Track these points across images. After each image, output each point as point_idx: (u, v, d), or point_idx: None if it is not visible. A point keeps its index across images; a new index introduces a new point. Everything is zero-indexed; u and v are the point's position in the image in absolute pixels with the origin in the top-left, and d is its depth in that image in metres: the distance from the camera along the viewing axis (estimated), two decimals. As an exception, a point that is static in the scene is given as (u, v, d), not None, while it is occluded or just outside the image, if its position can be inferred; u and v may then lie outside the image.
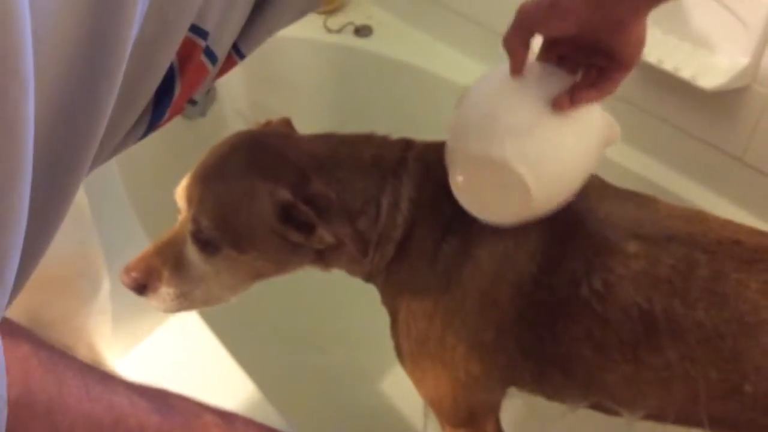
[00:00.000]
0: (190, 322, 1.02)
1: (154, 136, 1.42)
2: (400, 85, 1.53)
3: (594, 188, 0.85)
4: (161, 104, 0.63)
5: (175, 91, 0.63)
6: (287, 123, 0.90)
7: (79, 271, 0.89)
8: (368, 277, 0.91)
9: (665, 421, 0.86)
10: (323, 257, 0.87)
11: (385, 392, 1.36)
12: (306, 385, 1.32)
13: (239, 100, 1.55)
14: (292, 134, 0.89)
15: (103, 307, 0.94)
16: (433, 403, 0.92)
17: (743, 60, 1.10)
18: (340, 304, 1.31)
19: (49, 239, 0.51)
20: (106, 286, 0.94)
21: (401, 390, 1.29)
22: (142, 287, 0.83)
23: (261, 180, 0.80)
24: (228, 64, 0.72)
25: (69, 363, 0.65)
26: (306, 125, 0.93)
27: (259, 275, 0.86)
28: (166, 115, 0.65)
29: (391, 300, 0.90)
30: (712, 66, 1.12)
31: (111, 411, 0.68)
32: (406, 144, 0.88)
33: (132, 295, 0.84)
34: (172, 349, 1.00)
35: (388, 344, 0.91)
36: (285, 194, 0.79)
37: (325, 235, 0.81)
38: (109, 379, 0.70)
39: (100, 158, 0.52)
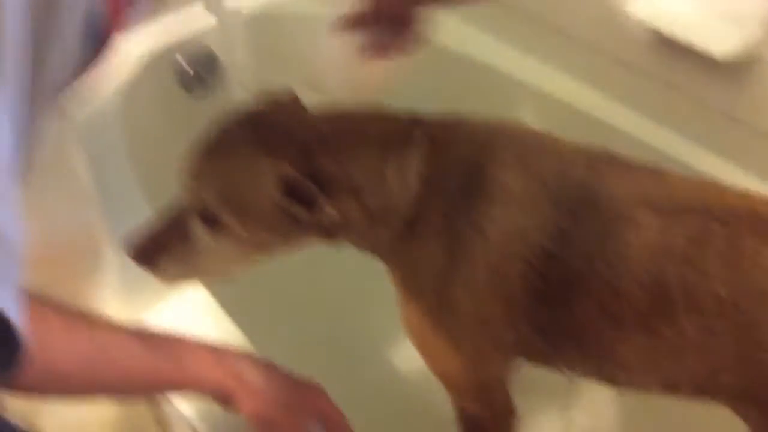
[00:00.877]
0: (197, 292, 1.02)
1: (159, 112, 1.43)
2: (413, 61, 1.50)
3: (604, 160, 0.84)
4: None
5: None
6: (294, 97, 0.89)
7: (82, 247, 0.90)
8: (375, 252, 0.90)
9: (679, 394, 0.85)
10: (329, 232, 0.85)
11: (394, 363, 1.36)
12: (314, 355, 1.32)
13: (246, 76, 1.53)
14: (297, 109, 0.87)
15: (107, 281, 0.94)
16: (443, 377, 0.92)
17: (756, 29, 1.08)
18: (349, 275, 1.29)
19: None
20: (110, 261, 0.94)
21: (411, 361, 1.29)
22: (146, 260, 0.83)
23: (265, 155, 0.79)
24: None
25: (53, 307, 0.67)
26: (308, 100, 0.91)
27: (263, 250, 0.86)
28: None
29: (399, 275, 0.89)
30: (725, 35, 1.10)
31: (95, 343, 0.70)
32: (414, 119, 0.87)
33: (131, 268, 0.84)
34: (178, 320, 1.00)
35: (397, 316, 0.91)
36: (288, 169, 0.79)
37: (328, 210, 0.80)
38: (91, 317, 0.72)
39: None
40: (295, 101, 0.88)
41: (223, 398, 0.79)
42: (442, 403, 0.95)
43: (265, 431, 0.80)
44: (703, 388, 0.82)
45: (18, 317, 0.40)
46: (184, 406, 0.93)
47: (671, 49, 1.18)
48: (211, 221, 0.81)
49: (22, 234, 0.41)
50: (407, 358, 1.31)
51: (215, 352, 0.80)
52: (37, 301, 0.64)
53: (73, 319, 0.69)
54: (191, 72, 1.45)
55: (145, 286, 0.99)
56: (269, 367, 0.83)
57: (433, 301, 0.86)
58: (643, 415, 1.14)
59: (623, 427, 1.22)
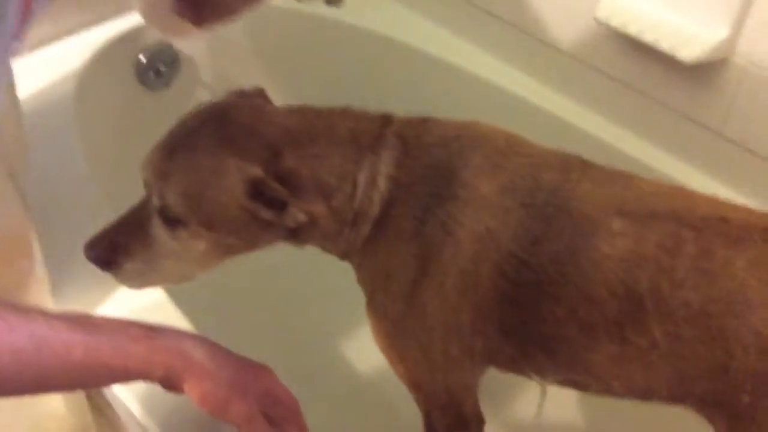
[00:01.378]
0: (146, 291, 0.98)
1: (116, 107, 1.39)
2: (373, 56, 1.49)
3: (575, 166, 0.84)
4: None
5: None
6: (261, 93, 0.87)
7: (10, 248, 0.86)
8: (344, 255, 0.88)
9: (649, 400, 0.85)
10: (296, 234, 0.83)
11: (355, 363, 1.34)
12: (268, 354, 1.30)
13: (204, 71, 1.50)
14: (265, 107, 0.85)
15: (39, 278, 0.91)
16: (410, 384, 0.91)
17: (723, 32, 1.09)
18: (313, 278, 1.28)
19: None
20: (38, 255, 0.90)
21: (377, 368, 1.27)
22: (106, 263, 0.80)
23: (230, 155, 0.77)
24: None
25: None
26: (273, 98, 0.90)
27: (228, 252, 0.83)
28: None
29: (367, 279, 0.87)
30: (692, 38, 1.11)
31: (32, 337, 0.66)
32: (385, 119, 0.85)
33: (82, 266, 0.81)
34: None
35: (359, 315, 0.89)
36: (255, 170, 0.76)
37: (297, 213, 0.78)
38: (25, 309, 0.68)
39: None
40: (262, 97, 0.86)
41: (170, 381, 0.75)
42: (405, 405, 0.94)
43: (215, 411, 0.76)
44: (674, 395, 0.82)
45: None
46: (125, 395, 0.90)
47: (638, 52, 1.18)
48: (173, 223, 0.79)
49: None
50: (371, 359, 1.29)
51: (160, 334, 0.76)
52: None
53: (8, 315, 0.65)
54: (148, 65, 1.40)
55: (91, 285, 0.96)
56: (214, 346, 0.79)
57: (401, 306, 0.84)
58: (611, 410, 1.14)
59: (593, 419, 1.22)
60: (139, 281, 0.83)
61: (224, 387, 0.76)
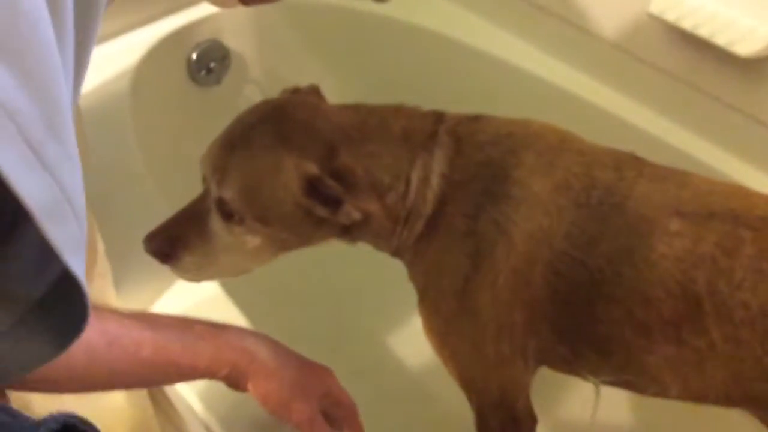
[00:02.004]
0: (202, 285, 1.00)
1: (169, 104, 1.41)
2: (422, 53, 1.48)
3: (629, 164, 0.83)
4: None
5: None
6: (316, 91, 0.87)
7: None
8: (396, 253, 0.88)
9: (706, 402, 0.84)
10: (350, 232, 0.84)
11: (412, 368, 1.34)
12: (322, 349, 1.31)
13: (254, 68, 1.51)
14: (320, 105, 0.86)
15: (102, 272, 0.93)
16: (462, 382, 0.90)
17: (782, 26, 1.06)
18: (365, 274, 1.28)
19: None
20: (101, 249, 0.92)
21: (429, 367, 1.27)
22: (165, 255, 0.82)
23: (287, 152, 0.78)
24: None
25: None
26: (325, 95, 0.90)
27: (283, 247, 0.84)
28: None
29: (419, 276, 0.88)
30: (749, 32, 1.08)
31: (104, 335, 0.69)
32: (438, 116, 0.85)
33: (138, 259, 0.83)
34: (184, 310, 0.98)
35: (412, 317, 0.89)
36: (311, 168, 0.77)
37: (352, 210, 0.79)
38: (96, 308, 0.69)
39: None
40: (316, 94, 0.86)
41: (235, 380, 0.78)
42: (457, 404, 0.94)
43: (277, 411, 0.79)
44: (731, 398, 0.81)
45: (85, 284, 0.39)
46: (190, 396, 0.91)
47: (693, 47, 1.16)
48: (230, 217, 0.80)
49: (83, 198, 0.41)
50: (422, 357, 1.29)
51: (225, 332, 0.78)
52: None
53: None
54: (200, 62, 1.42)
55: (150, 277, 0.98)
56: (278, 346, 0.81)
57: (454, 304, 0.84)
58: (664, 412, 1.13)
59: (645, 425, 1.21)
60: (196, 274, 0.84)
61: (287, 387, 0.78)
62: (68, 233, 0.35)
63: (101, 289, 0.94)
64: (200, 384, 0.85)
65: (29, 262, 0.37)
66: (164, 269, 0.84)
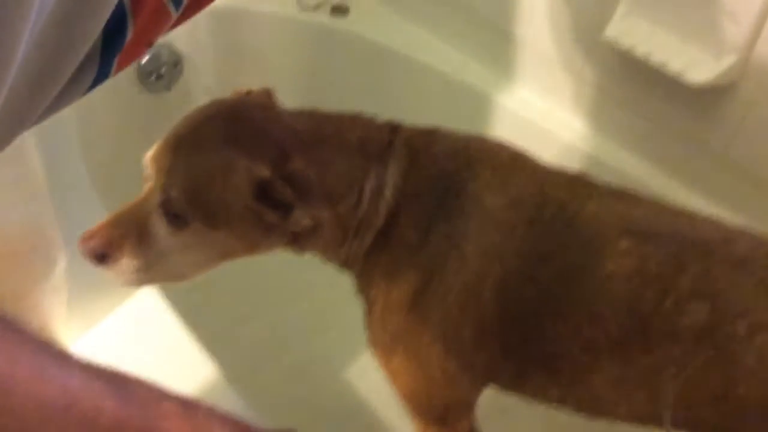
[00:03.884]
0: (150, 301, 0.97)
1: (116, 109, 1.38)
2: (376, 68, 1.49)
3: (581, 184, 0.83)
4: (110, 48, 0.56)
5: (127, 34, 0.56)
6: (269, 94, 0.85)
7: (33, 247, 0.83)
8: (344, 265, 0.87)
9: (650, 425, 0.83)
10: (298, 240, 0.82)
11: (352, 380, 1.32)
12: (270, 368, 1.28)
13: (207, 76, 1.49)
14: (274, 107, 0.84)
15: (57, 286, 0.88)
16: (406, 399, 0.89)
17: (732, 56, 1.08)
18: (310, 286, 1.26)
19: None
20: (61, 264, 0.88)
21: (369, 379, 1.25)
22: (101, 257, 0.78)
23: (238, 153, 0.75)
24: (195, 6, 0.66)
25: (22, 339, 0.60)
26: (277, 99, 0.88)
27: (228, 254, 0.81)
28: (115, 63, 0.58)
29: (367, 290, 0.86)
30: (701, 61, 1.10)
31: (64, 394, 0.63)
32: (393, 128, 0.84)
33: (89, 275, 0.79)
34: (131, 331, 0.94)
35: (359, 332, 0.87)
36: (263, 170, 0.75)
37: (302, 217, 0.77)
38: (64, 359, 0.65)
39: (43, 104, 0.45)
40: (269, 97, 0.85)
41: None
42: (400, 423, 0.92)
43: None
44: (677, 421, 0.80)
45: None
46: None
47: (645, 75, 1.18)
48: (174, 219, 0.77)
49: None
50: (366, 375, 1.27)
51: (191, 415, 0.74)
52: (8, 335, 0.58)
53: (47, 362, 0.63)
54: (150, 67, 1.39)
55: (98, 293, 0.94)
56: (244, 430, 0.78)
57: (401, 319, 0.83)
58: None
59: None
60: (134, 278, 0.80)
61: None
62: None
63: (51, 304, 0.89)
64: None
65: None
66: (103, 282, 0.80)
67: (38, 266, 0.85)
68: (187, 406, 0.74)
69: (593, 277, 0.77)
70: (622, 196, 0.83)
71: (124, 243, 0.78)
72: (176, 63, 1.42)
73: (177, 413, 0.72)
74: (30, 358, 0.60)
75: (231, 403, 0.92)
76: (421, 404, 0.88)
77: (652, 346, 0.76)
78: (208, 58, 1.48)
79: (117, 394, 0.67)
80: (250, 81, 0.89)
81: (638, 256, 0.77)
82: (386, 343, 0.85)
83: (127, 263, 0.78)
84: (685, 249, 0.77)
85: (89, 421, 0.65)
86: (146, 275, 0.80)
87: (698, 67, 1.10)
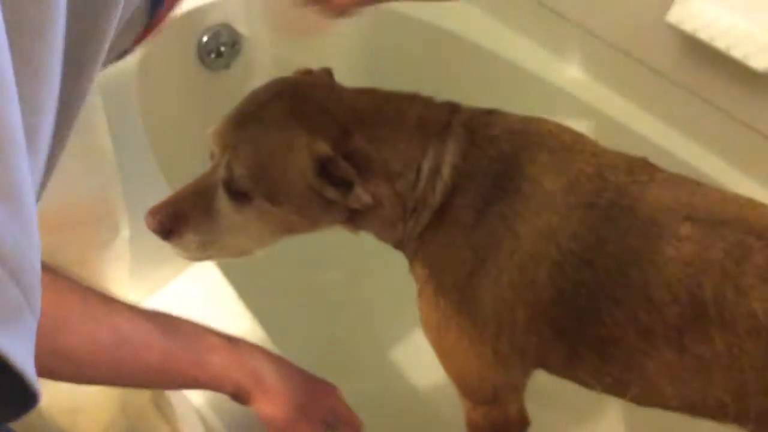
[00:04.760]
0: (209, 273, 0.99)
1: (176, 87, 1.40)
2: (435, 50, 1.48)
3: (641, 169, 0.82)
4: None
5: None
6: (329, 74, 0.86)
7: (98, 216, 0.86)
8: (398, 244, 0.87)
9: (702, 415, 0.82)
10: (355, 218, 0.83)
11: (401, 360, 1.33)
12: (319, 345, 1.29)
13: (264, 55, 1.50)
14: (335, 86, 0.84)
15: (120, 254, 0.91)
16: (456, 378, 0.89)
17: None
18: (365, 265, 1.27)
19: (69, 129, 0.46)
20: (124, 233, 0.90)
21: (419, 359, 1.26)
22: (167, 232, 0.80)
23: (300, 131, 0.77)
24: None
25: (71, 286, 0.63)
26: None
27: (288, 230, 0.83)
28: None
29: (421, 269, 0.86)
30: (766, 46, 1.07)
31: (114, 332, 0.67)
32: (453, 107, 0.84)
33: (150, 244, 0.81)
34: (188, 301, 0.96)
35: (408, 311, 0.88)
36: (325, 148, 0.76)
37: (362, 194, 0.77)
38: (111, 301, 0.68)
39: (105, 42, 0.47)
40: (329, 76, 0.85)
41: (239, 397, 0.77)
42: (450, 408, 0.92)
43: None
44: (729, 411, 0.79)
45: (28, 362, 0.32)
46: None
47: (709, 59, 1.15)
48: (238, 196, 0.78)
49: (38, 255, 0.35)
50: (417, 357, 1.28)
51: (235, 349, 0.77)
52: (57, 283, 0.60)
53: (95, 305, 0.65)
54: (210, 45, 1.41)
55: (158, 263, 0.96)
56: (285, 366, 0.80)
57: (454, 299, 0.83)
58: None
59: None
60: (197, 253, 0.82)
61: (292, 409, 0.77)
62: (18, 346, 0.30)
63: (113, 272, 0.92)
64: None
65: None
66: (166, 256, 0.82)
67: (103, 235, 0.88)
68: (232, 340, 0.77)
69: (652, 262, 0.76)
70: (683, 182, 0.82)
71: (188, 218, 0.79)
72: (234, 43, 1.44)
73: (222, 346, 0.75)
74: (80, 302, 0.63)
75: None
76: (471, 385, 0.88)
77: (709, 335, 0.75)
78: (267, 37, 1.48)
79: (164, 331, 0.70)
80: (308, 61, 0.90)
81: (699, 243, 0.76)
82: (439, 323, 0.85)
83: (191, 238, 0.80)
84: (749, 237, 0.75)
85: (140, 357, 0.67)
86: (210, 250, 0.82)
87: (763, 52, 1.07)
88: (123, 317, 0.68)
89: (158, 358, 0.69)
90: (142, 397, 1.08)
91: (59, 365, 0.62)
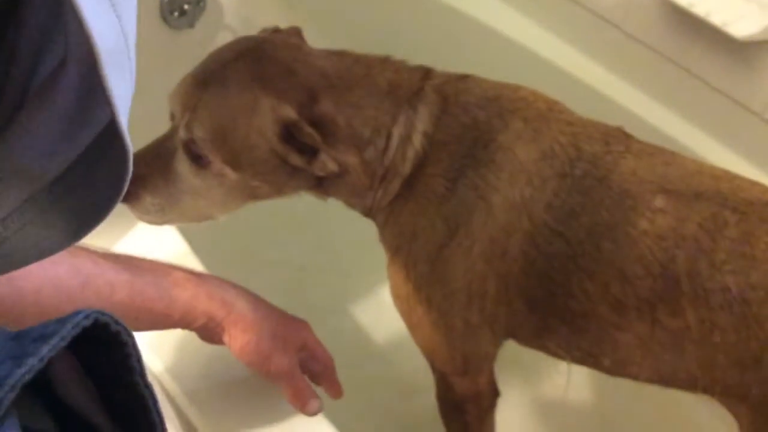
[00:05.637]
0: (169, 237, 0.95)
1: (138, 46, 1.34)
2: (409, 14, 1.44)
3: (617, 139, 0.81)
4: None
5: None
6: (297, 33, 0.83)
7: None
8: (368, 212, 0.85)
9: (672, 386, 0.82)
10: (323, 185, 0.81)
11: (370, 328, 1.32)
12: (290, 310, 1.27)
13: (230, 14, 1.45)
14: (302, 47, 0.81)
15: None
16: (427, 350, 0.89)
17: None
18: (331, 231, 1.24)
19: None
20: None
21: (387, 328, 1.25)
22: (125, 195, 0.76)
23: (265, 93, 0.74)
24: None
25: None
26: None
27: (251, 196, 0.80)
28: None
29: (391, 238, 0.84)
30: (746, 13, 1.06)
31: (77, 274, 0.65)
32: (425, 72, 0.81)
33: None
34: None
35: (379, 280, 0.86)
36: (289, 112, 0.73)
37: (327, 161, 0.75)
38: (72, 248, 0.65)
39: None
40: (298, 36, 0.82)
41: (211, 331, 0.75)
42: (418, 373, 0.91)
43: (255, 364, 0.76)
44: (700, 383, 0.79)
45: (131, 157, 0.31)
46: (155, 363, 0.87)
47: (687, 25, 1.13)
48: (198, 158, 0.76)
49: None
50: (384, 322, 1.26)
51: (202, 281, 0.75)
52: None
53: None
54: (173, 3, 1.36)
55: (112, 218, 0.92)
56: (257, 299, 0.78)
57: (425, 269, 0.82)
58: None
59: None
60: (157, 216, 0.80)
61: (265, 339, 0.75)
62: (124, 89, 0.29)
63: None
64: (151, 335, 0.81)
65: (51, 134, 0.30)
66: (124, 214, 0.79)
67: None
68: (198, 274, 0.75)
69: (625, 235, 0.75)
70: (661, 154, 0.81)
71: (146, 181, 0.76)
72: (199, 0, 1.39)
73: (189, 279, 0.73)
74: None
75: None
76: (441, 356, 0.87)
77: (682, 309, 0.74)
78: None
79: (127, 269, 0.68)
80: (274, 20, 0.86)
81: (674, 216, 0.75)
82: (409, 294, 0.84)
83: (150, 201, 0.77)
84: (724, 210, 0.75)
85: (105, 295, 0.65)
86: (169, 214, 0.80)
87: (744, 19, 1.06)
88: (85, 259, 0.66)
89: (125, 296, 0.67)
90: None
91: (25, 311, 0.60)
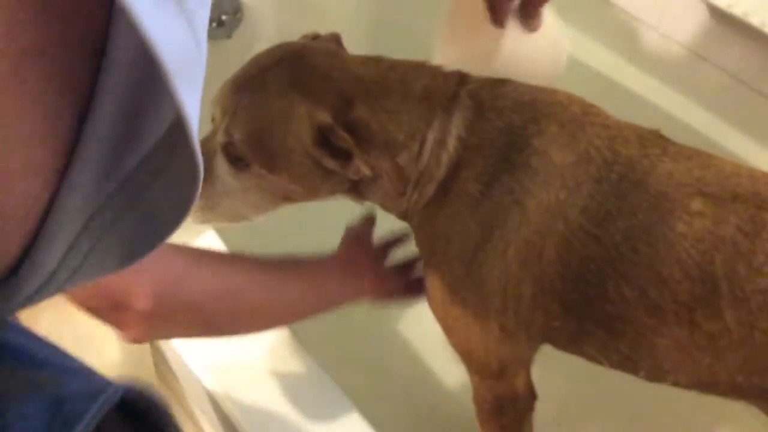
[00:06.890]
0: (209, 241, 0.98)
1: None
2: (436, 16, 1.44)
3: (653, 142, 0.80)
4: None
5: None
6: (337, 39, 0.84)
7: None
8: (403, 216, 0.86)
9: (711, 392, 0.81)
10: (358, 188, 0.82)
11: (406, 332, 1.32)
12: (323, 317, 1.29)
13: (267, 24, 1.47)
14: (340, 53, 0.82)
15: None
16: (463, 353, 0.89)
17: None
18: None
19: None
20: None
21: (423, 332, 1.25)
22: None
23: (301, 99, 0.75)
24: None
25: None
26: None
27: (287, 198, 0.82)
28: None
29: (426, 242, 0.85)
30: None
31: (233, 278, 0.77)
32: (461, 78, 0.82)
33: None
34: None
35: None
36: (324, 117, 0.74)
37: (361, 165, 0.76)
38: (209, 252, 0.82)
39: None
40: (337, 42, 0.84)
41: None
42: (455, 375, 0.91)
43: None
44: (739, 388, 0.78)
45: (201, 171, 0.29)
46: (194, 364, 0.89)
47: (724, 25, 1.12)
48: (236, 161, 0.78)
49: None
50: (426, 324, 1.27)
51: (345, 266, 0.91)
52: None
53: (205, 258, 0.77)
54: (211, 14, 1.38)
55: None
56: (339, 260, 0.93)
57: (460, 273, 0.82)
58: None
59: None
60: (196, 216, 0.82)
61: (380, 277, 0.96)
62: (196, 102, 0.25)
63: None
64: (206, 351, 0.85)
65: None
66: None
67: None
68: (316, 264, 0.90)
69: (662, 238, 0.75)
70: (697, 156, 0.80)
71: None
72: (236, 11, 1.41)
73: (338, 274, 0.90)
74: (192, 255, 0.77)
75: (291, 353, 0.94)
76: (477, 359, 0.87)
77: (720, 312, 0.74)
78: (270, 8, 1.46)
79: (282, 277, 0.84)
80: (310, 30, 0.87)
81: (711, 218, 0.74)
82: (444, 298, 0.84)
83: None
84: (761, 212, 0.74)
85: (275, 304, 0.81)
86: (208, 214, 0.82)
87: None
88: (237, 266, 0.79)
89: (282, 298, 0.82)
90: (149, 373, 1.07)
91: (187, 318, 0.71)
